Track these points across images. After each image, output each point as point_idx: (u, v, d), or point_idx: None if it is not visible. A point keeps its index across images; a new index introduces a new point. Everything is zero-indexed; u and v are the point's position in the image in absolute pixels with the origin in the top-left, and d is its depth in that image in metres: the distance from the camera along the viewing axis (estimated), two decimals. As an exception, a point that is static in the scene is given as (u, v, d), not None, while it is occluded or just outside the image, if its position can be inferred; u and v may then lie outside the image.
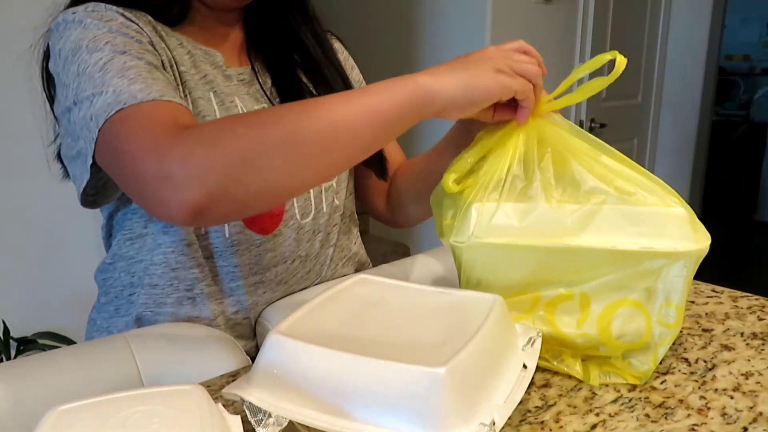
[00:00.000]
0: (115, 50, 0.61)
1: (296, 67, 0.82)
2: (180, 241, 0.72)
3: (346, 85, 0.85)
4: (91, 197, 0.68)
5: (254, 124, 0.53)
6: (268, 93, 0.79)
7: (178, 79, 0.69)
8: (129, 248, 0.75)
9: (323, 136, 0.53)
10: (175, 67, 0.69)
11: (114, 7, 0.66)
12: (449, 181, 0.58)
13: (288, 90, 0.80)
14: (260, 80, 0.79)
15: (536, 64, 0.60)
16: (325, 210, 0.80)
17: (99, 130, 0.57)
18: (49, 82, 0.70)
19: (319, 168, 0.55)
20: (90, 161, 0.60)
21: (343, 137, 0.54)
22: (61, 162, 0.73)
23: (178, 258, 0.72)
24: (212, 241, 0.73)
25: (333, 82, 0.83)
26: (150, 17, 0.70)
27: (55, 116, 0.70)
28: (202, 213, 0.52)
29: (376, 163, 0.85)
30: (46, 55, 0.69)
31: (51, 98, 0.71)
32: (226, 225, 0.73)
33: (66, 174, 0.72)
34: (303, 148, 0.53)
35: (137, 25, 0.66)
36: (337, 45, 0.90)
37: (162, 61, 0.67)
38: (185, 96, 0.70)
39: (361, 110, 0.54)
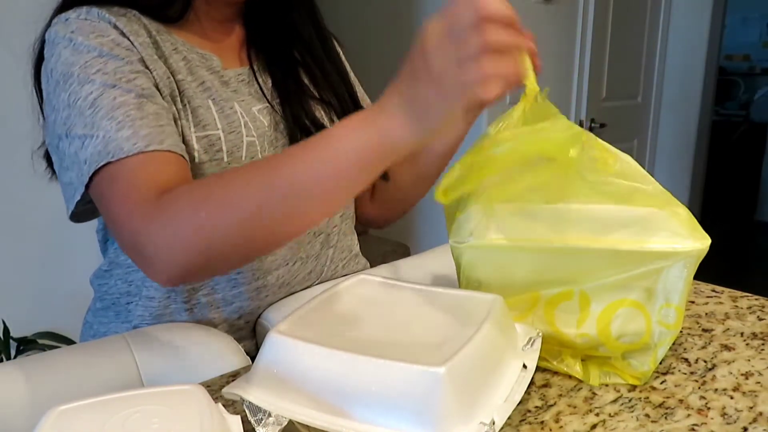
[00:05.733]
0: (105, 83, 0.62)
1: (297, 66, 0.81)
2: None
3: (347, 85, 0.84)
4: (76, 217, 0.68)
5: (216, 205, 0.54)
6: (267, 94, 0.78)
7: (176, 90, 0.68)
8: (126, 257, 0.74)
9: (291, 200, 0.52)
10: (172, 77, 0.68)
11: (107, 15, 0.65)
12: (440, 193, 0.57)
13: (288, 90, 0.79)
14: (259, 80, 0.78)
15: (507, 30, 0.44)
16: None
17: (90, 178, 0.60)
18: (40, 83, 0.69)
19: (294, 228, 0.56)
20: (78, 198, 0.63)
21: (313, 197, 0.52)
22: (47, 161, 0.73)
23: None
24: None
25: (335, 82, 0.82)
26: (145, 20, 0.69)
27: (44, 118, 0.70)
28: (184, 280, 0.57)
29: None
30: (40, 59, 0.68)
31: (41, 99, 0.71)
32: None
33: (54, 174, 0.72)
34: (272, 216, 0.53)
35: (128, 40, 0.66)
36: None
37: (155, 79, 0.66)
38: (184, 105, 0.69)
39: (327, 175, 0.51)
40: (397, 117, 0.48)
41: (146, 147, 0.60)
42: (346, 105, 0.82)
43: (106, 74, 0.62)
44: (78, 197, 0.63)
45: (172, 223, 0.55)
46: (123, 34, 0.65)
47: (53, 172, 0.71)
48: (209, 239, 0.54)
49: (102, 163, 0.59)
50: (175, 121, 0.67)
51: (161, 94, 0.66)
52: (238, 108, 0.73)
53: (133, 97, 0.62)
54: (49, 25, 0.67)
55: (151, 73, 0.66)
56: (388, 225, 0.94)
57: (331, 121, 0.80)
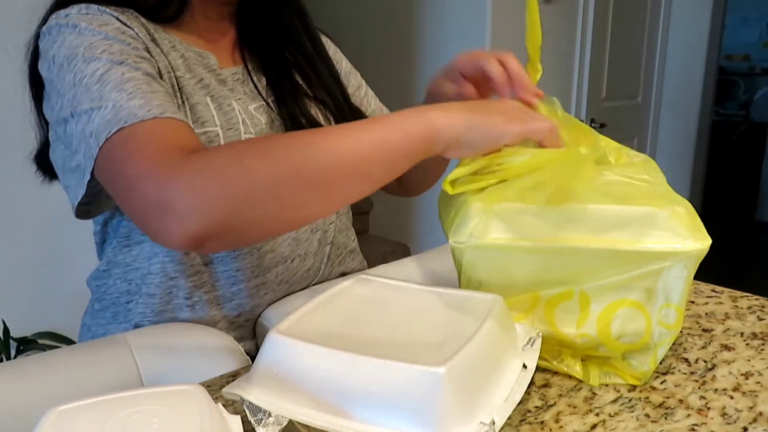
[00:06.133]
0: (112, 60, 0.60)
1: (290, 66, 0.81)
2: (175, 251, 0.71)
3: (338, 83, 0.84)
4: (84, 206, 0.66)
5: (261, 157, 0.51)
6: (262, 92, 0.78)
7: (176, 85, 0.69)
8: (125, 255, 0.74)
9: (331, 172, 0.51)
10: (171, 72, 0.68)
11: (108, 10, 0.65)
12: (447, 182, 0.58)
13: (283, 89, 0.79)
14: (254, 79, 0.78)
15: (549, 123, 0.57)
16: None
17: (99, 149, 0.56)
18: (35, 83, 0.69)
19: (326, 203, 0.54)
20: (88, 177, 0.59)
21: (352, 173, 0.52)
22: (38, 165, 0.73)
23: (176, 267, 0.72)
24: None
25: (327, 81, 0.83)
26: (142, 19, 0.69)
27: (39, 118, 0.70)
28: (203, 243, 0.51)
29: None
30: (34, 57, 0.67)
31: (35, 99, 0.70)
32: None
33: (45, 177, 0.71)
34: (310, 184, 0.51)
35: (132, 30, 0.65)
36: (323, 39, 0.89)
37: (159, 69, 0.66)
38: (183, 102, 0.69)
39: (372, 145, 0.52)
40: (443, 109, 0.54)
41: (162, 114, 0.57)
42: (339, 103, 0.83)
43: (112, 53, 0.60)
44: (88, 176, 0.59)
45: (215, 165, 0.51)
46: (126, 25, 0.65)
47: (45, 175, 0.71)
48: (251, 186, 0.50)
49: (113, 131, 0.56)
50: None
51: None
52: (235, 105, 0.74)
53: (141, 74, 0.61)
54: (45, 22, 0.66)
55: (156, 62, 0.66)
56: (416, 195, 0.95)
57: (327, 119, 0.81)
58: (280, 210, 0.52)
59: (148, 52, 0.66)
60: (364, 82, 0.93)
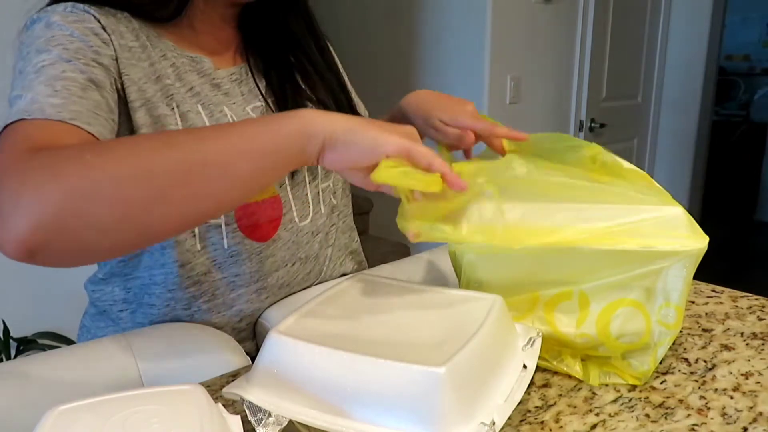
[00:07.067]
0: (61, 56, 0.58)
1: (293, 69, 0.80)
2: (173, 262, 0.70)
3: (342, 88, 0.84)
4: None
5: (105, 152, 0.47)
6: (262, 92, 0.77)
7: (163, 93, 0.67)
8: (124, 267, 0.73)
9: (183, 166, 0.47)
10: (159, 81, 0.67)
11: (93, 11, 0.63)
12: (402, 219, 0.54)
13: (285, 92, 0.78)
14: (255, 78, 0.77)
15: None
16: (323, 211, 0.80)
17: None
18: None
19: (182, 203, 0.48)
20: None
21: (209, 170, 0.48)
22: None
23: (174, 279, 0.71)
24: (210, 255, 0.71)
25: (331, 85, 0.82)
26: (135, 23, 0.67)
27: None
28: (35, 252, 0.45)
29: None
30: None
31: None
32: (224, 236, 0.71)
33: None
34: (159, 178, 0.46)
35: (109, 37, 0.63)
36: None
37: (123, 83, 0.64)
38: (173, 109, 0.67)
39: (234, 141, 0.48)
40: (335, 116, 0.51)
41: (70, 119, 0.54)
42: (342, 107, 0.82)
43: (66, 50, 0.59)
44: None
45: (51, 161, 0.46)
46: (104, 29, 0.64)
47: None
48: (87, 181, 0.45)
49: (14, 120, 0.53)
50: (137, 131, 0.65)
51: (127, 99, 0.64)
52: (228, 111, 0.72)
53: (83, 77, 0.58)
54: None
55: (121, 76, 0.64)
56: None
57: None
58: (122, 209, 0.46)
59: (117, 62, 0.64)
60: (360, 102, 0.91)
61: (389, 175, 0.49)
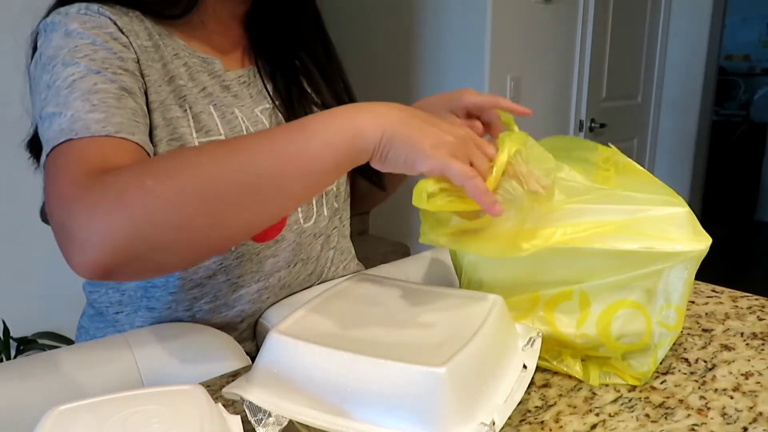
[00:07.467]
0: (89, 68, 0.59)
1: (299, 72, 0.81)
2: None
3: (349, 92, 0.84)
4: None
5: (165, 178, 0.48)
6: (270, 93, 0.77)
7: (177, 94, 0.67)
8: None
9: (243, 188, 0.48)
10: (173, 82, 0.67)
11: (107, 12, 0.63)
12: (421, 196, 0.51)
13: (291, 95, 0.78)
14: (263, 80, 0.77)
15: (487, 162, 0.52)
16: (326, 214, 0.80)
17: (47, 157, 0.55)
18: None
19: (241, 223, 0.50)
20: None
21: (268, 190, 0.48)
22: (30, 151, 0.71)
23: (175, 282, 0.71)
24: (217, 259, 0.71)
25: (337, 89, 0.82)
26: (147, 22, 0.67)
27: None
28: (111, 272, 0.48)
29: (374, 174, 0.83)
30: (35, 50, 0.66)
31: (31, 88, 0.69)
32: None
33: (37, 164, 0.69)
34: (219, 202, 0.48)
35: (128, 38, 0.64)
36: None
37: (146, 84, 0.64)
38: (185, 111, 0.68)
39: (290, 158, 0.48)
40: (374, 112, 0.49)
41: (116, 132, 0.56)
42: None
43: (93, 60, 0.59)
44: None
45: (116, 188, 0.48)
46: (122, 31, 0.64)
47: (36, 161, 0.70)
48: (151, 209, 0.47)
49: (62, 141, 0.54)
50: (151, 132, 0.65)
51: (148, 101, 0.65)
52: (238, 113, 0.73)
53: (115, 87, 0.59)
54: (46, 17, 0.65)
55: (143, 78, 0.64)
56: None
57: None
58: (186, 234, 0.48)
59: (138, 64, 0.64)
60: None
61: (431, 205, 0.49)
